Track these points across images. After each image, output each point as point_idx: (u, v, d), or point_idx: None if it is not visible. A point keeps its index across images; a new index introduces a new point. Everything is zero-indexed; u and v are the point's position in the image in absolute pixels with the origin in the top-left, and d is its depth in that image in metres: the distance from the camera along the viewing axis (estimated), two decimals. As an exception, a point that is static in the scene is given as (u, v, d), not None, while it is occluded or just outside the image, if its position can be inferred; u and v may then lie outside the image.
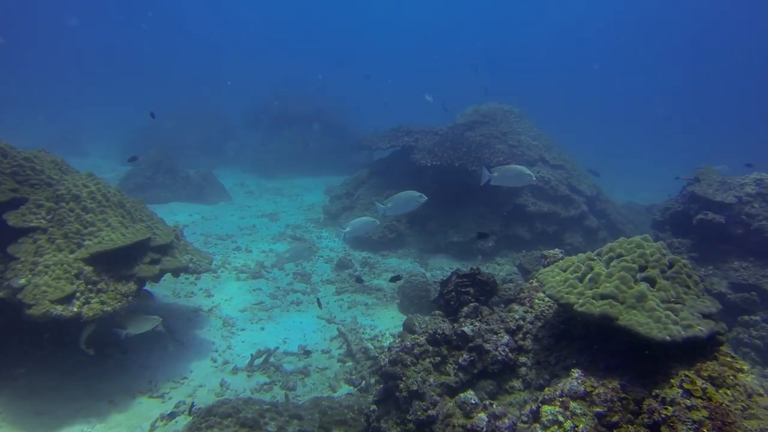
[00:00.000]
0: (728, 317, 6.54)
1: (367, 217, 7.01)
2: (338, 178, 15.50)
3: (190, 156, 18.35)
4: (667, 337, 2.59)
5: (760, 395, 2.43)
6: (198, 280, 8.02)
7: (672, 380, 2.51)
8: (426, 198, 6.01)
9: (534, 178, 6.12)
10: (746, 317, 6.30)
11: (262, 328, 6.92)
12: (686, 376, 2.40)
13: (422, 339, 3.51)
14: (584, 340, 3.23)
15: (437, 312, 3.84)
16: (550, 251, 4.35)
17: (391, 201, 6.19)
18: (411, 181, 11.06)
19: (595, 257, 3.10)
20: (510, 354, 3.34)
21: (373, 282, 8.68)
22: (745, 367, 2.63)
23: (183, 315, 6.99)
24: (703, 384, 2.34)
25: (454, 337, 3.47)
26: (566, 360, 3.13)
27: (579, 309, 2.83)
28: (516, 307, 3.61)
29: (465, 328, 3.41)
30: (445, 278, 4.00)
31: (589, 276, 2.96)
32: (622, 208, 13.06)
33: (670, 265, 2.94)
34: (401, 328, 3.83)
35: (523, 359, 3.38)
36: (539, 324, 3.45)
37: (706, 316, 2.79)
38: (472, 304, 3.61)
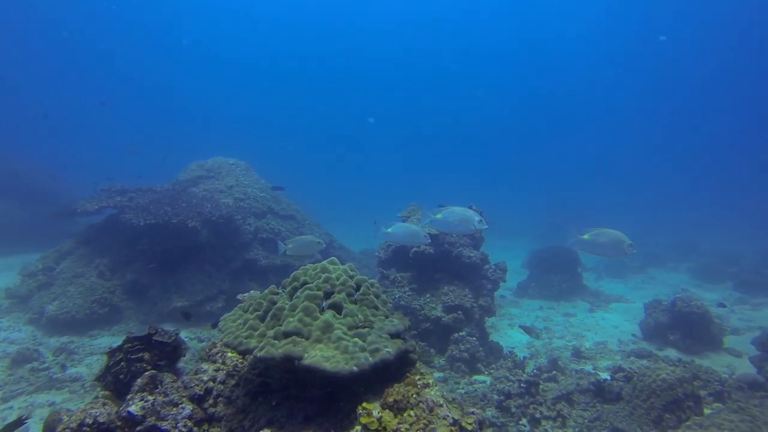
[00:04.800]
0: (444, 338, 7.19)
1: (411, 224, 5.48)
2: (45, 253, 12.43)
3: None
4: (355, 368, 2.29)
5: (440, 406, 2.32)
6: None
7: (358, 417, 2.20)
8: (487, 226, 4.92)
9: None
10: (456, 335, 7.00)
11: None
12: (364, 408, 2.11)
13: (67, 439, 2.49)
14: (284, 391, 2.75)
15: (102, 393, 2.86)
16: (245, 294, 3.83)
17: (442, 213, 4.96)
18: (126, 247, 9.51)
19: (279, 290, 2.70)
20: (195, 428, 2.62)
21: (72, 371, 6.78)
22: (431, 380, 2.53)
23: None
24: (378, 414, 2.08)
25: (119, 423, 2.57)
26: (260, 420, 2.58)
27: (260, 354, 2.34)
28: (206, 366, 2.93)
29: (132, 408, 2.56)
30: (114, 347, 3.06)
31: (272, 312, 2.52)
32: (359, 254, 13.85)
33: (358, 287, 2.75)
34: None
35: (214, 430, 2.70)
36: (233, 382, 2.85)
37: (394, 335, 2.63)
38: (147, 373, 2.78)
